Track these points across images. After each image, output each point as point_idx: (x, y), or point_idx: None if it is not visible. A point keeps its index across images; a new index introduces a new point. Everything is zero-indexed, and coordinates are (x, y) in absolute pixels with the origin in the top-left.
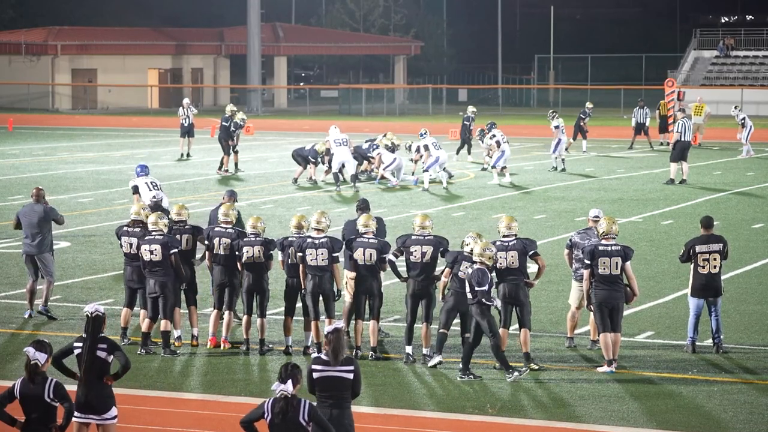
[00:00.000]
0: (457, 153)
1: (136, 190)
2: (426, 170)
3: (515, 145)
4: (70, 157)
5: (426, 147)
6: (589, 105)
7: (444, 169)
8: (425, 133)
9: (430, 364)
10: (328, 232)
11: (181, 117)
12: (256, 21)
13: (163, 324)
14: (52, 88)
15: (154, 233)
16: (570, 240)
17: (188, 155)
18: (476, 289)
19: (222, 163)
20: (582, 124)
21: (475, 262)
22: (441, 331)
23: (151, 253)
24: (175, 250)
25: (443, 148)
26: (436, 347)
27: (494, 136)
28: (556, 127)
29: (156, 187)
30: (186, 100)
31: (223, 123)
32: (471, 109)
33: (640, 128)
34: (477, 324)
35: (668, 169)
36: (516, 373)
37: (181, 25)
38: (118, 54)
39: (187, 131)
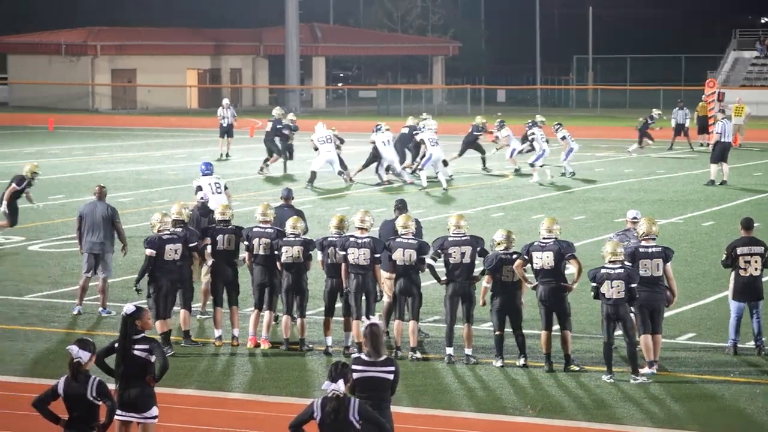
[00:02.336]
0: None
1: (199, 189)
2: (421, 169)
3: (554, 146)
4: (109, 157)
5: (422, 141)
6: (656, 111)
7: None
8: (423, 128)
9: (496, 364)
10: (371, 231)
11: (220, 117)
12: (295, 21)
13: (167, 324)
14: (92, 89)
15: (169, 233)
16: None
17: (227, 155)
18: (632, 286)
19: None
20: (647, 130)
21: (613, 262)
22: (497, 333)
23: (175, 252)
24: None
25: (439, 145)
26: (497, 350)
27: (533, 134)
28: (563, 138)
29: (219, 188)
30: (225, 101)
31: (277, 126)
32: (480, 119)
33: (679, 129)
34: (612, 323)
35: (708, 170)
36: (643, 378)
37: (220, 25)
38: (158, 54)
39: (226, 131)
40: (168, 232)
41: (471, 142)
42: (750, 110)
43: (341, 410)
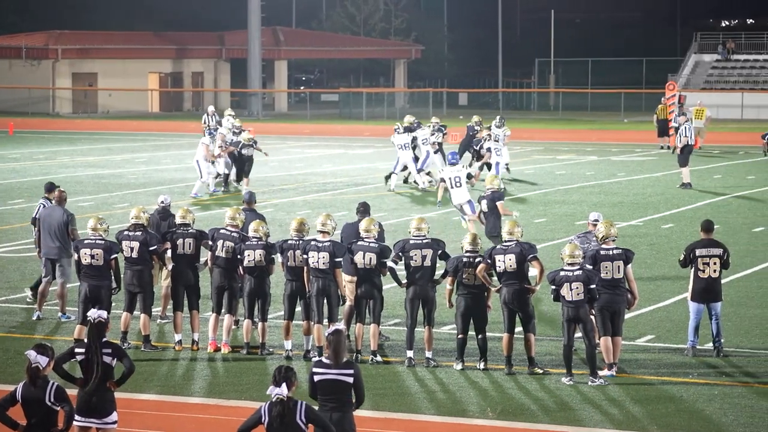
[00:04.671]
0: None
1: (442, 181)
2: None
3: (515, 149)
4: (70, 161)
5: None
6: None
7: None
8: (398, 129)
9: (456, 367)
10: (333, 234)
11: (205, 124)
12: (257, 25)
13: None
14: (53, 92)
15: (94, 238)
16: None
17: (212, 163)
18: (591, 287)
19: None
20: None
21: (572, 264)
22: (459, 336)
23: (92, 257)
24: (116, 255)
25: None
26: (458, 353)
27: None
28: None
29: (458, 182)
30: (211, 108)
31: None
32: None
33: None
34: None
35: (669, 172)
36: (600, 380)
37: (182, 29)
38: (119, 58)
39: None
40: (90, 237)
41: (468, 145)
42: (710, 113)
43: (286, 414)
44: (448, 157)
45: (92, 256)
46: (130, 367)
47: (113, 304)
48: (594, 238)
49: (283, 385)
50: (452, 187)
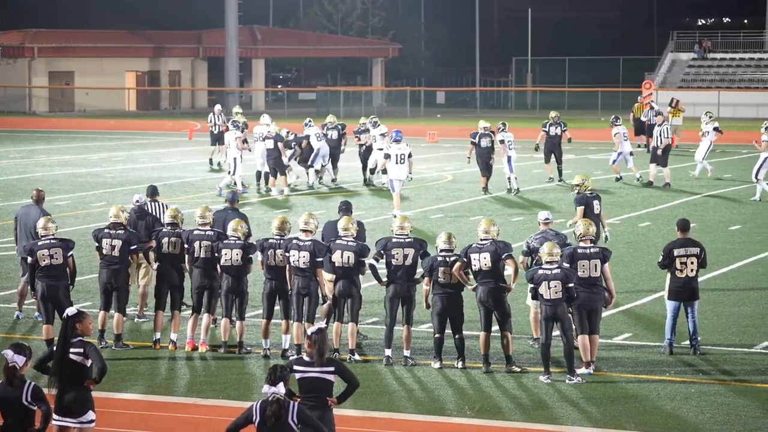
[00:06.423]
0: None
1: (387, 157)
2: (310, 165)
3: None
4: (47, 160)
5: (307, 137)
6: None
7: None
8: (309, 123)
9: (434, 366)
10: (316, 233)
11: (210, 124)
12: (234, 23)
13: (51, 330)
14: (29, 91)
15: (49, 238)
16: (527, 245)
17: (219, 164)
18: (569, 286)
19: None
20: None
21: (550, 263)
22: (436, 336)
23: (51, 257)
24: (72, 252)
25: (324, 139)
26: (435, 352)
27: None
28: (501, 142)
29: (402, 158)
30: (218, 107)
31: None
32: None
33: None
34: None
35: (646, 171)
36: (578, 378)
37: (159, 27)
38: (96, 56)
39: (217, 139)
40: (44, 238)
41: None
42: (686, 111)
43: (282, 414)
44: (393, 135)
45: (52, 256)
46: (101, 366)
47: (89, 303)
48: (551, 236)
49: (280, 384)
50: (396, 163)
